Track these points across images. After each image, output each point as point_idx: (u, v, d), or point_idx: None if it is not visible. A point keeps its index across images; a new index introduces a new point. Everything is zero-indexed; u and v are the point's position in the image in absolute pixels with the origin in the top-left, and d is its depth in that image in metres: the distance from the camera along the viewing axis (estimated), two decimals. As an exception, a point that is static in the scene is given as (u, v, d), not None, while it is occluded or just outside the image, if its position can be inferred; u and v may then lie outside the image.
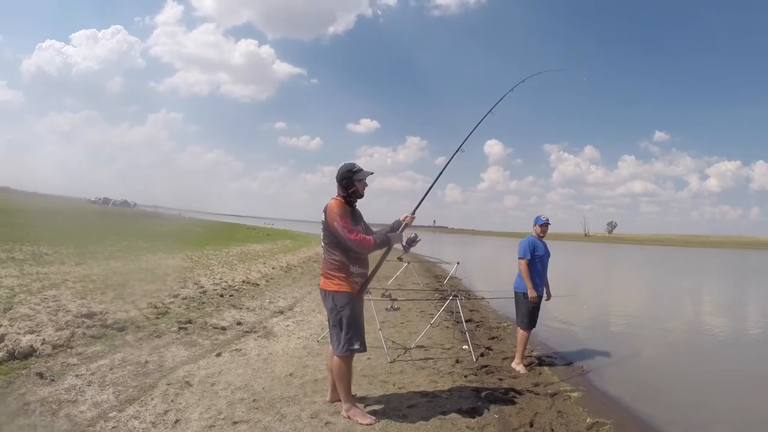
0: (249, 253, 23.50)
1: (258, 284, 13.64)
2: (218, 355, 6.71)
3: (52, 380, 5.20)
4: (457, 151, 5.56)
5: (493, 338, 9.46)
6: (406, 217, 5.06)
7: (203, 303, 10.09)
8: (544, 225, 7.46)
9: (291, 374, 6.13)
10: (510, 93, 6.32)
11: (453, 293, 8.71)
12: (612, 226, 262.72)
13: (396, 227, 5.03)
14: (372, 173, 4.82)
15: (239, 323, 8.63)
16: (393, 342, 8.16)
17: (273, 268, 17.87)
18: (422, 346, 8.07)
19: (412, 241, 4.97)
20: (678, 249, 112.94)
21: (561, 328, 11.48)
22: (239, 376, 5.91)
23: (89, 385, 5.17)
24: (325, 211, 4.64)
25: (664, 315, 15.82)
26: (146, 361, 6.15)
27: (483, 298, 13.76)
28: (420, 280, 17.68)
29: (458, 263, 18.93)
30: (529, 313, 7.25)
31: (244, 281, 13.71)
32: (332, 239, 4.63)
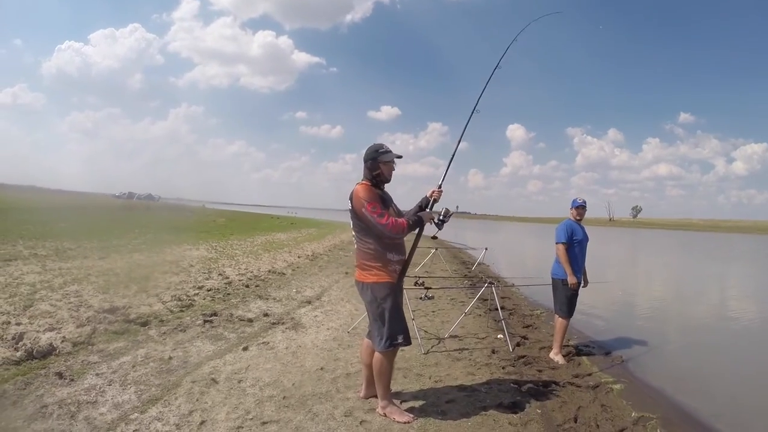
0: (274, 243, 23.29)
1: (284, 273, 13.38)
2: (245, 349, 6.42)
3: (72, 380, 4.97)
4: (472, 112, 5.18)
5: (527, 326, 9.14)
6: (433, 192, 4.67)
7: (228, 294, 9.82)
8: (581, 207, 7.06)
9: (322, 368, 5.83)
10: (516, 46, 5.89)
11: (488, 280, 8.33)
12: (637, 210, 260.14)
13: (424, 205, 4.68)
14: (400, 156, 4.46)
15: (266, 314, 8.35)
16: (426, 332, 7.84)
17: (298, 257, 17.61)
18: (456, 336, 7.75)
19: (445, 216, 4.57)
20: (704, 234, 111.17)
21: (597, 316, 11.08)
22: (267, 372, 5.63)
23: (110, 385, 4.93)
24: (351, 197, 4.32)
25: (699, 301, 15.38)
26: (170, 357, 5.89)
27: (514, 285, 13.13)
28: (448, 267, 17.33)
29: (486, 249, 18.64)
30: (568, 300, 6.90)
31: (269, 271, 13.47)
32: (363, 227, 4.30)
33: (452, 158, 5.02)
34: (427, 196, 4.68)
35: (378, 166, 4.39)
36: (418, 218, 4.41)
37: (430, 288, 7.86)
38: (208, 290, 9.96)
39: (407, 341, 4.37)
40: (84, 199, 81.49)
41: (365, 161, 4.43)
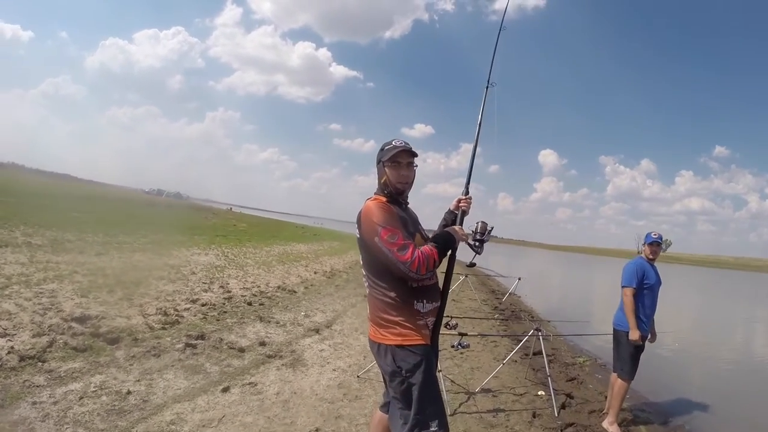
0: (291, 254, 21.88)
1: (295, 291, 11.94)
2: (225, 390, 5.16)
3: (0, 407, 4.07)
4: (487, 87, 3.73)
5: (571, 380, 7.73)
6: (460, 201, 3.41)
7: (225, 312, 8.47)
8: (656, 244, 5.85)
9: (317, 430, 4.52)
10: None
11: (535, 327, 6.88)
12: (667, 244, 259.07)
13: (450, 221, 3.43)
14: (410, 150, 3.03)
15: (262, 343, 6.99)
16: (452, 382, 6.44)
17: (315, 273, 16.19)
18: (488, 390, 6.37)
19: (483, 233, 3.29)
20: (736, 272, 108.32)
21: (651, 372, 9.46)
22: (246, 429, 4.36)
23: (43, 421, 3.95)
24: (359, 220, 2.99)
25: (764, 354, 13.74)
26: (129, 392, 4.74)
27: (564, 335, 11.22)
28: (477, 296, 15.77)
29: (519, 279, 17.30)
30: (632, 358, 5.62)
31: (279, 287, 12.06)
32: (377, 264, 2.94)
33: (475, 150, 3.64)
34: (452, 208, 3.47)
35: (383, 170, 3.06)
36: (447, 236, 3.09)
37: (465, 334, 6.34)
38: (203, 305, 8.63)
39: (444, 429, 2.85)
40: (114, 191, 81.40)
41: (376, 163, 3.16)
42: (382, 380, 3.16)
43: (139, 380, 5.06)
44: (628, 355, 5.62)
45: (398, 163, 3.00)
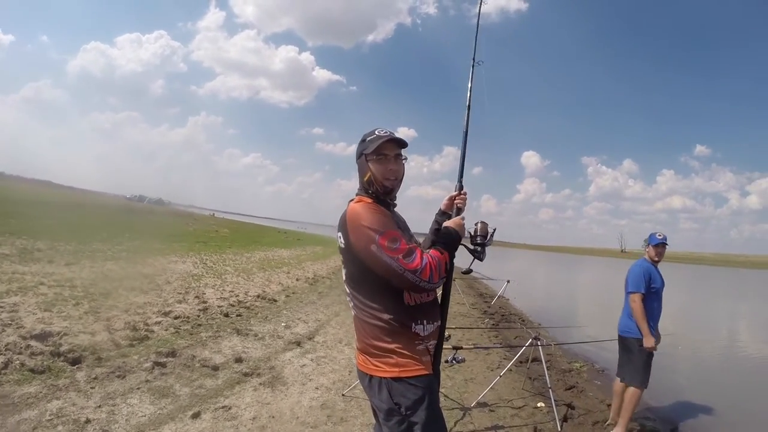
0: (273, 260, 21.26)
1: (275, 300, 11.31)
2: (195, 416, 4.64)
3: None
4: (473, 65, 3.17)
5: (570, 388, 7.28)
6: (453, 198, 2.88)
7: (199, 326, 7.88)
8: (662, 245, 5.60)
9: (298, 461, 3.96)
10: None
11: (533, 336, 6.37)
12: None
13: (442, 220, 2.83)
14: (399, 140, 2.53)
15: (239, 360, 6.41)
16: (445, 396, 5.94)
17: (297, 280, 15.56)
18: (485, 404, 5.89)
19: (484, 235, 2.79)
20: (718, 269, 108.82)
21: (653, 376, 9.04)
22: None
23: None
24: (343, 226, 2.43)
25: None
26: (87, 421, 4.23)
27: (563, 343, 10.32)
28: (466, 300, 15.37)
29: (508, 281, 16.87)
30: (645, 365, 5.31)
31: (258, 296, 11.43)
32: (370, 281, 2.40)
33: (466, 137, 3.06)
34: (443, 208, 2.92)
35: (366, 165, 2.53)
36: (451, 234, 2.56)
37: (461, 347, 5.77)
38: (175, 318, 8.04)
39: None
40: (94, 197, 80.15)
41: (356, 158, 2.63)
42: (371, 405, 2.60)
43: (100, 406, 4.55)
44: (642, 363, 5.31)
45: (384, 156, 2.49)
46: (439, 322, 2.56)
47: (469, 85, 3.21)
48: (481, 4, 3.71)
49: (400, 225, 2.55)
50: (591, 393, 7.08)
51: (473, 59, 3.31)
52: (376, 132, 2.52)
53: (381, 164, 2.48)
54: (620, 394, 5.64)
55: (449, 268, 2.45)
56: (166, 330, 7.29)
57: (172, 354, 6.18)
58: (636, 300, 5.30)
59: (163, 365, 5.76)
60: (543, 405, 6.08)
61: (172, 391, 5.14)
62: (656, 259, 5.57)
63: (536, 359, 7.32)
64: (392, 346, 2.37)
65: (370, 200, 2.51)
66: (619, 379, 5.65)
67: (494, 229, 2.80)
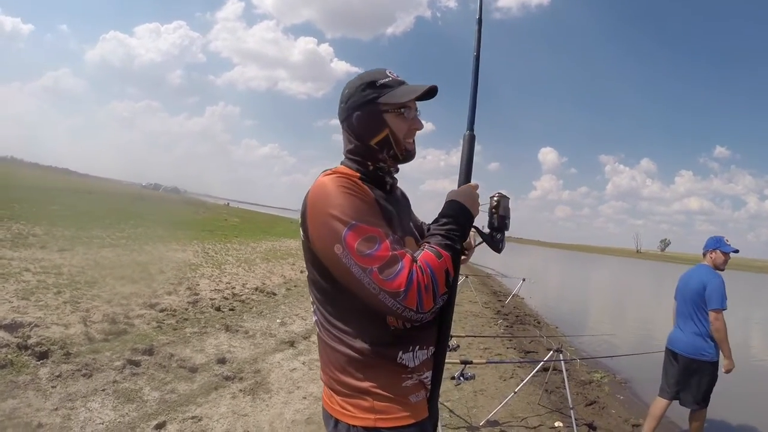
0: (279, 250, 20.60)
1: (274, 294, 10.66)
2: (159, 426, 4.05)
3: None
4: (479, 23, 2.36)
5: (590, 404, 6.57)
6: None
7: (185, 320, 7.25)
8: (731, 254, 5.08)
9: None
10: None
11: (555, 348, 5.60)
12: (665, 243, 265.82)
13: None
14: (433, 88, 1.77)
15: (221, 361, 5.77)
16: (451, 412, 5.28)
17: (301, 272, 14.66)
18: (496, 423, 5.21)
19: (499, 210, 1.88)
20: (737, 273, 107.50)
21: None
22: None
23: None
24: (303, 211, 1.69)
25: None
26: (40, 425, 3.78)
27: (590, 356, 9.23)
28: (478, 299, 14.62)
29: (524, 280, 16.23)
30: (711, 387, 4.85)
31: (257, 288, 10.80)
32: (335, 292, 1.67)
33: (475, 89, 2.22)
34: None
35: (381, 121, 1.76)
36: (461, 215, 1.72)
37: (470, 362, 4.88)
38: (161, 311, 7.43)
39: None
40: (106, 185, 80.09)
41: (345, 113, 1.82)
42: None
43: (56, 409, 4.05)
44: (709, 385, 4.84)
45: (408, 108, 1.78)
46: (437, 344, 1.80)
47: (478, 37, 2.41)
48: None
49: (396, 215, 1.80)
50: (614, 410, 6.43)
51: (480, 17, 2.46)
52: (389, 74, 1.79)
53: (405, 119, 1.78)
54: (658, 417, 5.13)
55: (453, 276, 1.61)
56: (147, 324, 6.68)
57: (149, 351, 5.57)
58: (721, 319, 4.71)
59: (136, 364, 5.17)
60: (561, 425, 5.42)
61: (140, 395, 4.55)
62: (722, 268, 5.03)
63: (556, 368, 6.65)
64: (366, 384, 1.62)
65: (352, 175, 1.71)
66: (660, 398, 5.15)
67: (507, 201, 1.91)
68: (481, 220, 1.84)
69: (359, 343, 1.62)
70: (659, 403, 5.12)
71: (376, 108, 1.75)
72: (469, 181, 1.86)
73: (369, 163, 1.80)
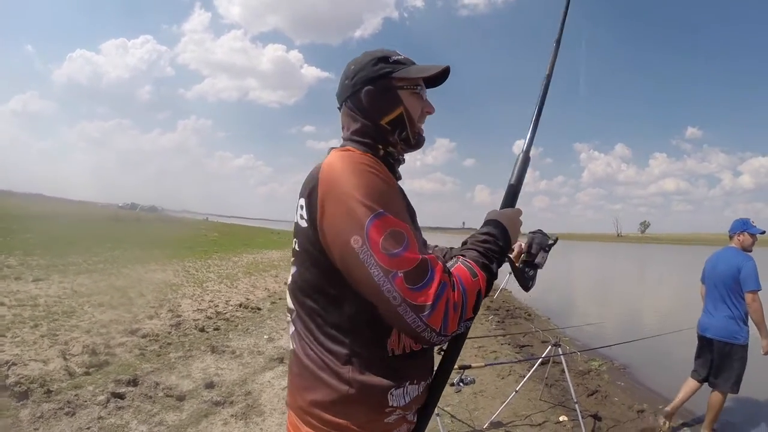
0: (261, 263, 20.33)
1: (259, 309, 10.33)
2: None
3: None
4: (558, 43, 2.16)
5: (592, 393, 6.46)
6: None
7: (169, 344, 6.96)
8: (758, 235, 5.07)
9: None
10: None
11: (553, 343, 5.45)
12: (645, 225, 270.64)
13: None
14: (443, 72, 1.60)
15: (210, 385, 5.49)
16: (452, 417, 5.09)
17: (285, 283, 14.19)
18: (500, 424, 5.05)
19: (543, 246, 1.76)
20: (714, 248, 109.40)
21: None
22: None
23: None
24: (311, 189, 1.38)
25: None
26: None
27: (585, 348, 8.61)
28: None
29: (510, 273, 15.86)
30: (743, 370, 4.82)
31: (240, 304, 10.48)
32: (332, 293, 1.41)
33: (539, 114, 2.01)
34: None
35: (395, 98, 1.56)
36: (502, 239, 1.49)
37: (469, 366, 4.68)
38: (143, 336, 7.13)
39: None
40: (81, 208, 78.93)
41: (351, 89, 1.59)
42: None
43: None
44: (741, 370, 4.81)
45: (423, 89, 1.63)
46: (430, 377, 1.58)
47: (552, 60, 2.15)
48: None
49: (411, 209, 1.57)
50: (617, 398, 6.31)
51: (559, 37, 2.18)
52: (399, 54, 1.61)
53: (419, 99, 1.60)
54: (689, 395, 5.19)
55: (481, 300, 1.38)
56: (130, 352, 6.40)
57: (134, 382, 5.30)
58: (758, 299, 4.69)
59: (120, 396, 4.90)
60: (566, 419, 5.30)
61: (127, 430, 4.29)
62: (750, 249, 5.02)
63: (554, 361, 6.51)
64: (343, 422, 1.39)
65: (366, 155, 1.45)
66: (692, 379, 5.19)
67: (556, 239, 1.80)
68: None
69: (346, 371, 1.39)
70: (691, 383, 5.15)
71: (389, 83, 1.56)
72: (514, 206, 1.66)
73: (380, 146, 1.56)
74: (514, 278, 1.72)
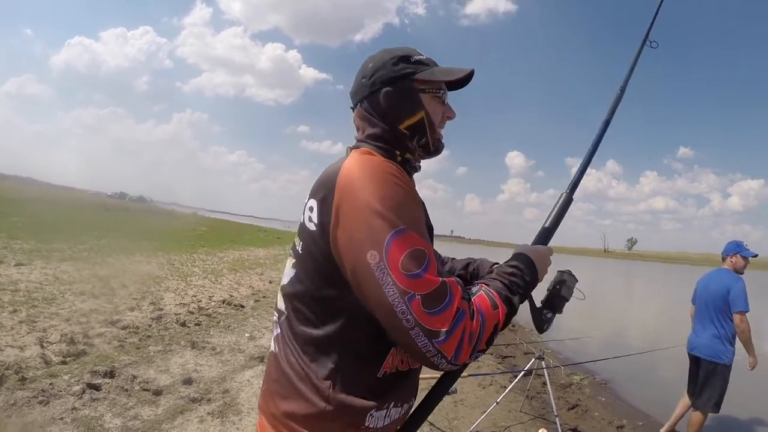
0: (247, 260, 20.19)
1: (242, 306, 10.20)
2: None
3: None
4: (644, 43, 2.11)
5: (573, 407, 6.51)
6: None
7: (149, 337, 6.84)
8: (750, 259, 5.21)
9: None
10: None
11: (537, 356, 5.40)
12: (632, 242, 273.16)
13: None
14: (469, 74, 1.51)
15: (188, 381, 5.40)
16: (431, 426, 5.04)
17: (270, 282, 14.36)
18: (478, 434, 4.95)
19: (563, 287, 1.60)
20: (703, 268, 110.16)
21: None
22: None
23: None
24: (326, 190, 1.29)
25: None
26: None
27: (569, 363, 8.76)
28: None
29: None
30: (724, 389, 4.99)
31: (224, 301, 10.35)
32: (326, 303, 1.34)
33: (607, 124, 1.96)
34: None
35: (415, 98, 1.47)
36: (530, 276, 1.42)
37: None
38: (123, 328, 7.01)
39: None
40: (70, 195, 78.34)
41: (368, 89, 1.48)
42: None
43: None
44: (724, 388, 4.98)
45: (445, 93, 1.54)
46: (414, 398, 1.52)
47: (632, 66, 2.06)
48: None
49: (430, 225, 1.46)
50: (597, 413, 6.37)
51: (646, 37, 2.19)
52: (421, 54, 1.52)
53: (441, 103, 1.52)
54: (682, 412, 5.49)
55: (497, 333, 1.30)
56: (108, 343, 6.29)
57: (110, 374, 5.19)
58: (746, 320, 4.85)
59: (96, 388, 4.80)
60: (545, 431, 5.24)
61: (101, 423, 4.20)
62: (742, 272, 5.14)
63: (536, 374, 6.48)
64: None
65: (394, 163, 1.36)
66: (687, 397, 5.39)
67: (575, 282, 1.65)
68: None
69: (327, 387, 1.31)
70: (685, 400, 5.38)
71: (411, 85, 1.46)
72: (547, 245, 1.62)
73: (397, 153, 1.48)
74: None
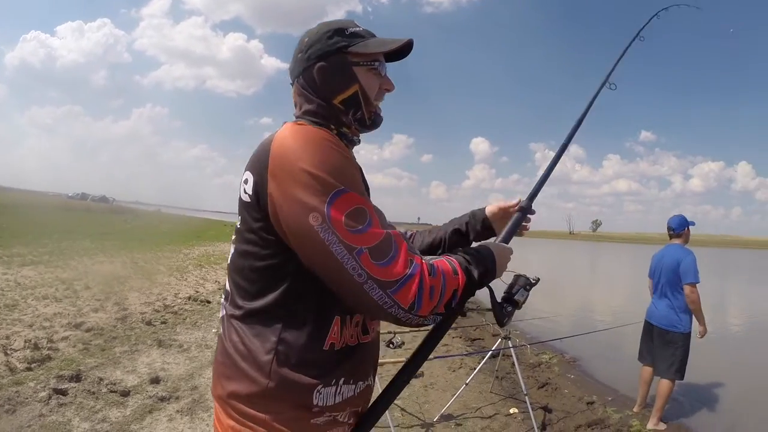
0: (213, 255, 19.98)
1: (209, 302, 10.12)
2: None
3: None
4: (603, 85, 2.30)
5: (543, 386, 6.59)
6: (521, 210, 1.88)
7: (114, 338, 6.75)
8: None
9: None
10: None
11: (503, 336, 5.47)
12: (597, 224, 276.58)
13: (477, 229, 1.91)
14: (406, 45, 1.53)
15: (155, 380, 5.35)
16: (402, 411, 5.09)
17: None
18: (450, 417, 5.07)
19: (522, 288, 1.64)
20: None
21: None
22: None
23: None
24: (260, 164, 1.30)
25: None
26: None
27: (536, 341, 8.73)
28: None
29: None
30: (686, 357, 5.23)
31: (189, 297, 10.26)
32: (267, 275, 1.33)
33: (561, 154, 2.25)
34: (489, 214, 1.95)
35: (349, 71, 1.46)
36: (490, 263, 1.45)
37: (402, 343, 4.79)
38: (87, 330, 6.90)
39: None
40: (30, 198, 76.68)
41: (303, 64, 1.47)
42: None
43: None
44: (685, 356, 5.21)
45: (382, 65, 1.53)
46: (372, 378, 1.52)
47: (589, 104, 2.36)
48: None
49: (366, 188, 1.47)
50: (566, 390, 6.46)
51: (606, 80, 2.39)
52: (358, 26, 1.50)
53: (377, 76, 1.51)
54: (648, 381, 5.65)
55: (455, 300, 1.29)
56: (74, 346, 6.19)
57: (76, 378, 5.12)
58: (696, 292, 5.09)
59: (63, 393, 4.74)
60: (516, 411, 5.38)
61: (69, 428, 4.16)
62: (686, 242, 5.53)
63: (505, 354, 6.52)
64: (264, 416, 1.29)
65: (325, 131, 1.36)
66: (644, 366, 5.64)
67: (537, 280, 1.70)
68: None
69: (268, 362, 1.29)
70: (645, 370, 5.61)
71: (344, 59, 1.45)
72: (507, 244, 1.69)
73: (332, 127, 1.45)
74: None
